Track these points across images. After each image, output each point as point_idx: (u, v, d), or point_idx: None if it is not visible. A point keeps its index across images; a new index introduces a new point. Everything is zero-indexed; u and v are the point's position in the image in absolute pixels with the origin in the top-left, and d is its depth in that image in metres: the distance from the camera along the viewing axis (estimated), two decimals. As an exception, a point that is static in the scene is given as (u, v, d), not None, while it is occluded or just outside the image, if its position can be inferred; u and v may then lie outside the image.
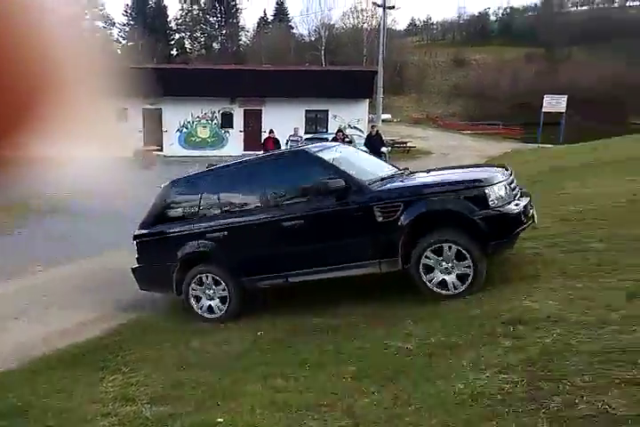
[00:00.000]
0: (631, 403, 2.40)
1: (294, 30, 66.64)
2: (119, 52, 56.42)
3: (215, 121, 27.02)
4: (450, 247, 4.67)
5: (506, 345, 3.34)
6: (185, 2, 66.31)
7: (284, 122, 20.96)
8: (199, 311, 5.84)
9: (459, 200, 4.73)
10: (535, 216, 5.04)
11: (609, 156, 14.04)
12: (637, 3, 72.44)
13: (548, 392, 2.66)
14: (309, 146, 6.34)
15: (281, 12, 69.37)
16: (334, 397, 3.29)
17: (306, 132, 22.24)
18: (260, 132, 23.90)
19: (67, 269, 8.06)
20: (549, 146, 26.98)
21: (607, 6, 72.17)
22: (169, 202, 6.20)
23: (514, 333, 3.48)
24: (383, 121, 31.18)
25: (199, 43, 68.90)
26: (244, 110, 26.63)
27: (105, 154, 1.03)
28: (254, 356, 4.51)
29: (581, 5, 74.00)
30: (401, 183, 5.30)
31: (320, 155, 5.57)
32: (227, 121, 27.00)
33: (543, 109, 28.56)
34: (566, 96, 28.49)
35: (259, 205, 5.59)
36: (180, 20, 67.80)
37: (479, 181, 4.81)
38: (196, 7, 67.15)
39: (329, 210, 5.16)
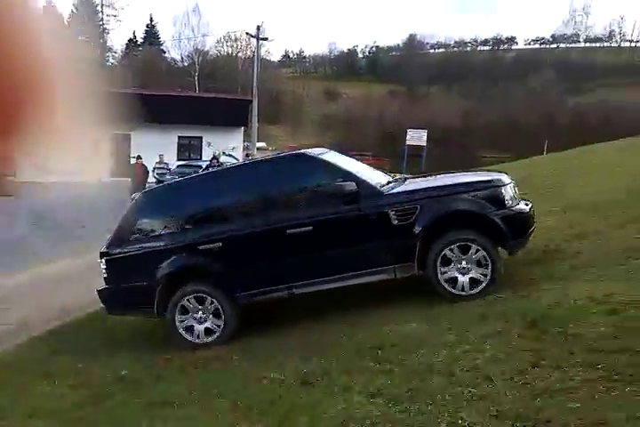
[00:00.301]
0: (483, 415, 2.60)
1: (166, 54, 65.64)
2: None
3: (79, 145, 25.33)
4: (468, 247, 4.53)
5: (375, 369, 3.45)
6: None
7: (155, 148, 20.26)
8: (191, 338, 5.07)
9: (477, 201, 4.65)
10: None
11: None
12: (487, 48, 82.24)
13: (418, 412, 2.79)
14: (309, 150, 5.68)
15: (151, 35, 67.95)
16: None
17: (178, 159, 21.73)
18: (129, 157, 22.85)
19: None
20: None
21: (461, 49, 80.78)
22: (144, 213, 5.52)
23: (381, 356, 3.62)
24: (258, 149, 31.47)
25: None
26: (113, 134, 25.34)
27: None
28: (116, 398, 4.17)
29: (438, 48, 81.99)
30: (413, 186, 5.13)
31: (323, 157, 5.24)
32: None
33: (407, 142, 30.87)
34: (426, 130, 31.12)
35: (257, 211, 5.11)
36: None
37: (494, 181, 4.79)
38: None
39: (340, 215, 4.84)
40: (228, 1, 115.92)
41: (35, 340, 5.77)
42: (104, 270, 5.35)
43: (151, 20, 68.93)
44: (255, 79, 29.63)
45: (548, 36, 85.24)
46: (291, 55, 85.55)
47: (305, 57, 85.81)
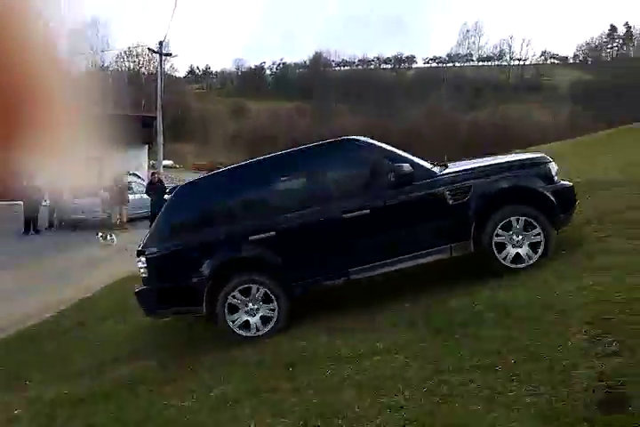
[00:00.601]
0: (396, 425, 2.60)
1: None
2: None
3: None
4: (519, 220, 4.63)
5: (285, 388, 3.37)
6: None
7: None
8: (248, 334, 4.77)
9: (530, 177, 4.80)
10: None
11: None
12: (389, 66, 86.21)
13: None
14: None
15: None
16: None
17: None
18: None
19: None
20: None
21: (365, 67, 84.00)
22: (186, 206, 5.23)
23: (291, 373, 3.55)
24: (165, 167, 30.53)
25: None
26: None
27: None
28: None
29: (343, 66, 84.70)
30: (463, 166, 5.12)
31: (374, 142, 5.15)
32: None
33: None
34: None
35: (310, 198, 4.93)
36: None
37: (543, 158, 4.99)
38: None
39: (398, 197, 4.79)
40: (130, 16, 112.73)
41: None
42: (143, 270, 4.98)
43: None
44: (159, 95, 28.85)
45: (444, 55, 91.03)
46: (196, 71, 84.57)
47: (211, 73, 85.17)
